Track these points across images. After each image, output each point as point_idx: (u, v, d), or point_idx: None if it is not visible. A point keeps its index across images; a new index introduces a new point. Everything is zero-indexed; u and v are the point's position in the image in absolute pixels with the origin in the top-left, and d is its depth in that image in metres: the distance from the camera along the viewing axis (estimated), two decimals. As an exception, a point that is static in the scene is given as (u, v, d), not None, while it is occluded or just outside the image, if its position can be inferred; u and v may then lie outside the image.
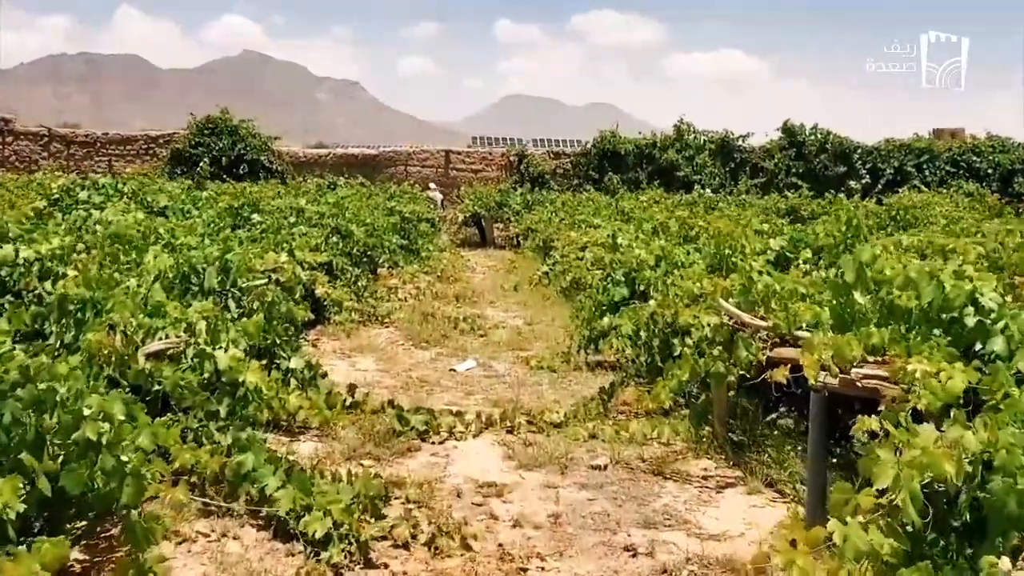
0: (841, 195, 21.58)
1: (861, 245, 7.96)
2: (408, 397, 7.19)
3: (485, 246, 24.10)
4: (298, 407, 4.99)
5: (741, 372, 5.19)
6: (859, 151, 28.73)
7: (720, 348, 5.67)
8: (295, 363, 5.90)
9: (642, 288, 7.92)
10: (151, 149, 29.19)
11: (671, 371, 5.62)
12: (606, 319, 6.98)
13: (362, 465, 5.47)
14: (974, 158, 28.50)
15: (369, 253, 13.42)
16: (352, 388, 6.22)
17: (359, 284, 10.71)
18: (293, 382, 5.86)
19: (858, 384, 4.08)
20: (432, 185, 27.64)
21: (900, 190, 26.01)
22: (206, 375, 4.76)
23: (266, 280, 7.07)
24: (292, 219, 10.88)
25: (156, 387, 4.38)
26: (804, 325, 5.07)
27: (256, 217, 10.42)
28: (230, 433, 4.51)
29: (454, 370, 8.33)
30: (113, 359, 4.19)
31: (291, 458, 4.89)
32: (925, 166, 28.37)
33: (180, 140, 28.08)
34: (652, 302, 6.60)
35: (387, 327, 10.44)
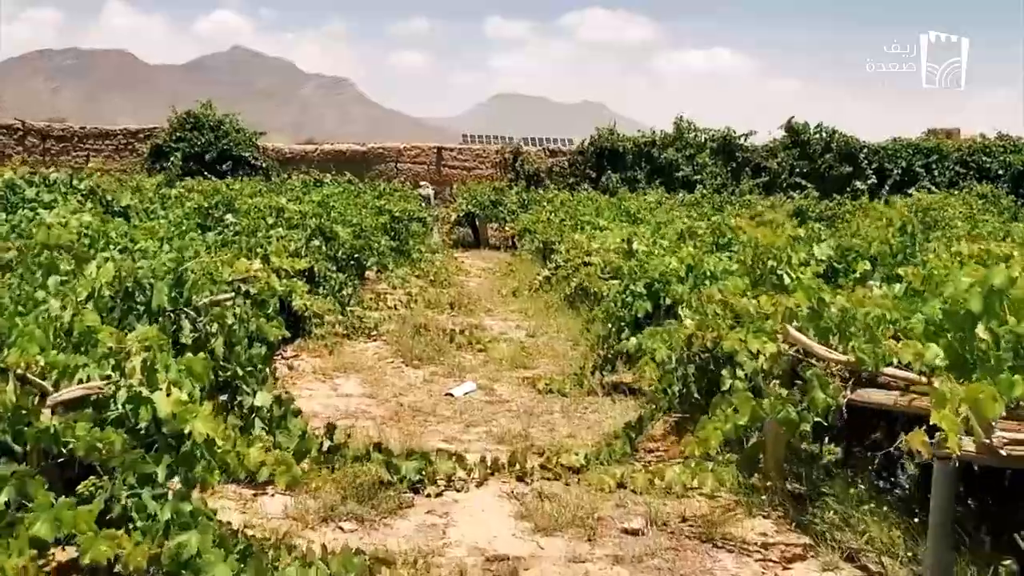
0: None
1: (922, 255, 6.97)
2: (398, 431, 6.14)
3: (479, 247, 23.07)
4: (260, 463, 3.96)
5: (816, 419, 4.17)
6: (865, 151, 27.74)
7: (778, 383, 4.67)
8: (261, 399, 4.85)
9: (668, 302, 6.90)
10: (131, 144, 28.02)
11: (721, 410, 4.58)
12: (633, 340, 5.96)
13: (341, 529, 4.43)
14: (984, 158, 27.54)
15: (356, 256, 12.35)
16: (331, 429, 5.16)
17: (344, 292, 9.65)
18: (258, 423, 4.81)
19: (1002, 453, 3.07)
20: (423, 183, 26.58)
21: (909, 191, 25.08)
22: (142, 425, 3.70)
23: (231, 294, 6.01)
24: (270, 220, 9.81)
25: (69, 448, 3.33)
26: (895, 361, 4.06)
27: (229, 218, 9.34)
28: (168, 504, 3.45)
29: (451, 395, 7.29)
30: (8, 415, 3.15)
31: (250, 532, 3.85)
32: (934, 166, 27.40)
33: (161, 135, 26.93)
34: (688, 321, 5.56)
35: (375, 340, 9.39)
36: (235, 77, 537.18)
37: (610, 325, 7.71)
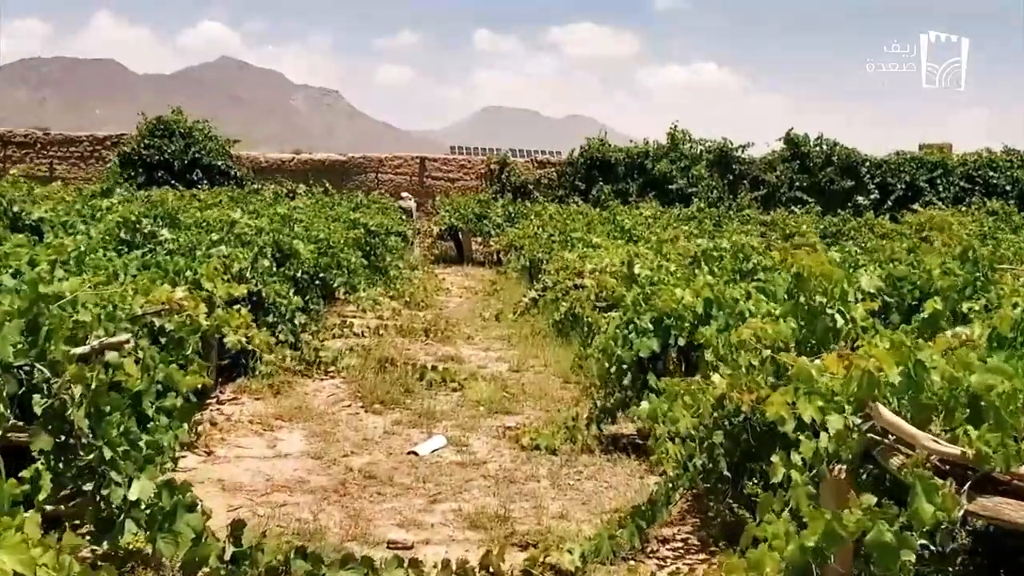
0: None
1: (993, 287, 5.71)
2: (342, 512, 4.82)
3: (463, 263, 21.75)
4: (104, 609, 2.64)
5: (922, 542, 2.87)
6: (867, 164, 26.51)
7: (844, 468, 3.39)
8: (139, 491, 3.53)
9: (681, 343, 5.60)
10: (97, 152, 26.63)
11: (773, 514, 3.29)
12: (645, 405, 4.66)
13: None
14: (991, 173, 26.34)
15: (321, 276, 11.03)
16: (237, 528, 3.81)
17: (296, 321, 8.27)
18: (131, 527, 3.48)
19: None
20: (405, 194, 25.23)
21: (913, 206, 23.92)
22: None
23: (129, 336, 4.68)
24: (215, 236, 8.46)
25: None
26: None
27: (164, 233, 8.00)
28: None
29: (415, 453, 5.97)
30: None
31: None
32: (938, 181, 26.20)
33: (129, 142, 25.54)
34: (717, 377, 4.27)
35: (333, 377, 8.06)
36: (223, 87, 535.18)
37: (607, 365, 6.41)
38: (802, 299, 4.79)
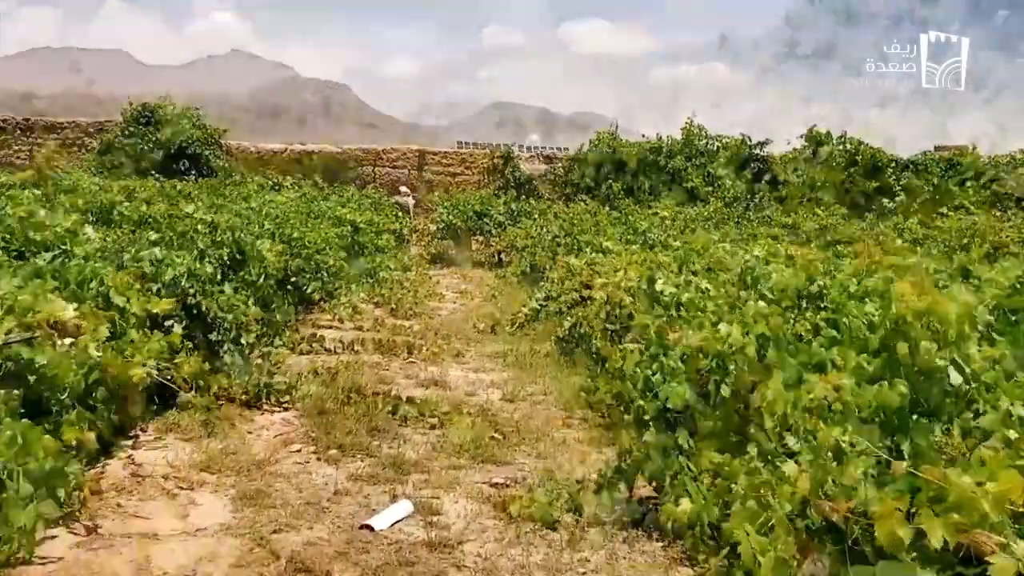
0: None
1: None
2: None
3: (461, 264, 20.35)
4: None
5: None
6: (893, 165, 25.06)
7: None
8: None
9: (725, 393, 4.20)
10: (81, 139, 25.29)
11: None
12: (684, 504, 3.25)
13: None
14: (1024, 176, 24.89)
15: (293, 280, 9.67)
16: None
17: (244, 340, 6.85)
18: None
19: None
20: (404, 189, 23.84)
21: (941, 211, 22.45)
22: None
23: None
24: (153, 235, 7.06)
25: None
26: None
27: (88, 231, 6.63)
28: None
29: (370, 527, 4.56)
30: None
31: None
32: (968, 184, 24.71)
33: (113, 130, 24.22)
34: (792, 468, 2.87)
35: (286, 409, 6.65)
36: (232, 79, 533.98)
37: (622, 409, 5.02)
38: (899, 346, 3.41)
